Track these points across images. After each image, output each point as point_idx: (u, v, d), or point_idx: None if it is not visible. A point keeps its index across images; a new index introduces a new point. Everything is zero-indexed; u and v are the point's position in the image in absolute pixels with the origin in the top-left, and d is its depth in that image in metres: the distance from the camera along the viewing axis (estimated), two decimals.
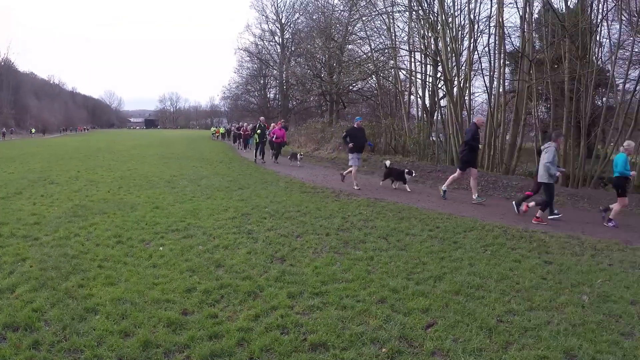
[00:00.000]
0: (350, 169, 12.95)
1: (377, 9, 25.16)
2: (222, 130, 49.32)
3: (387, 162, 13.41)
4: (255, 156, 20.75)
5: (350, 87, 33.47)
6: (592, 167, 16.44)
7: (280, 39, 51.54)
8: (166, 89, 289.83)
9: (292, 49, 47.32)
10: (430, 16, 21.08)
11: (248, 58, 54.84)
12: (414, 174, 13.13)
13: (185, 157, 23.29)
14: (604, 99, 18.36)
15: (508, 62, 21.60)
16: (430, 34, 21.97)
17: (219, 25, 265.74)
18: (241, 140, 31.27)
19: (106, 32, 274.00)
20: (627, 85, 17.46)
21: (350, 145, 12.39)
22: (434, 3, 21.21)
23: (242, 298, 4.65)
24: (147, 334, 3.79)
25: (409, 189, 12.47)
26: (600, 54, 18.92)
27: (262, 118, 22.10)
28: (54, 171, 15.61)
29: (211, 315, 4.23)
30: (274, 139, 20.56)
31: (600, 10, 16.95)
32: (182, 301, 4.54)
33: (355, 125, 12.82)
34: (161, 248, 6.40)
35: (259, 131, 20.46)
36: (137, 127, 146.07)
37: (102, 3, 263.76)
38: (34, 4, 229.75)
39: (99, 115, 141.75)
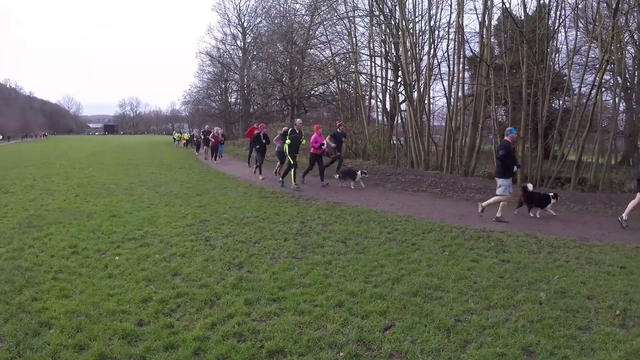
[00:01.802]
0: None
1: (339, 13, 25.46)
2: (186, 136, 47.84)
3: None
4: (284, 175, 14.04)
5: (312, 92, 33.74)
6: (549, 168, 17.10)
7: (242, 43, 51.33)
8: (126, 94, 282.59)
9: (254, 53, 47.21)
10: (391, 21, 21.45)
11: (209, 62, 54.38)
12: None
13: (144, 163, 22.73)
14: (561, 102, 19.13)
15: (467, 67, 22.36)
16: (390, 39, 22.33)
17: (179, 28, 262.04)
18: (208, 147, 25.58)
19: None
20: (583, 89, 18.38)
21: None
22: (395, 9, 21.60)
23: (198, 306, 4.61)
24: (102, 347, 3.75)
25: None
26: (557, 59, 19.92)
27: (298, 121, 14.62)
28: (9, 180, 14.96)
29: (167, 325, 4.20)
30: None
31: (558, 17, 17.84)
32: (137, 312, 4.49)
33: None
34: (117, 258, 6.25)
35: (289, 140, 13.40)
36: (97, 133, 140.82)
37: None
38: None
39: (57, 120, 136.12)
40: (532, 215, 9.88)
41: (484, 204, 9.67)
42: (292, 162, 13.21)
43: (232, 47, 52.60)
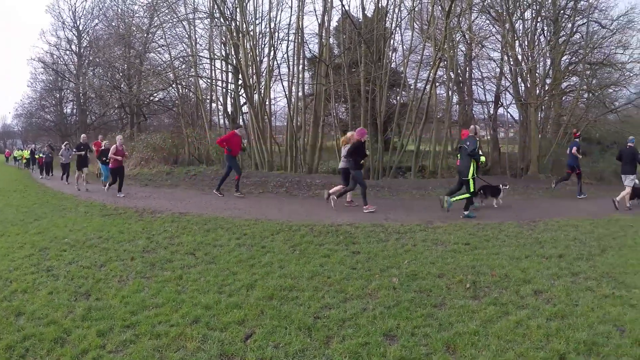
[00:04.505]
0: None
1: (179, 15, 24.64)
2: (26, 154, 41.27)
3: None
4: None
5: (151, 98, 32.20)
6: (390, 159, 18.45)
7: (78, 48, 46.80)
8: None
9: (90, 58, 43.40)
10: (232, 23, 21.33)
11: (43, 69, 48.65)
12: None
13: None
14: (398, 97, 20.81)
15: (307, 68, 23.18)
16: (231, 42, 22.23)
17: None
18: (82, 169, 16.09)
19: None
20: (418, 85, 20.27)
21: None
22: (235, 11, 21.52)
23: (48, 347, 4.12)
24: None
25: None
26: (394, 58, 21.67)
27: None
28: None
29: None
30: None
31: (395, 19, 19.60)
32: None
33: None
34: None
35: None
36: None
37: None
38: None
39: None
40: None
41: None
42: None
43: (67, 52, 47.96)
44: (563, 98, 21.82)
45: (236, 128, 13.90)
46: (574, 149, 13.28)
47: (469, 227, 8.07)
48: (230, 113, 24.86)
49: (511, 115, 24.37)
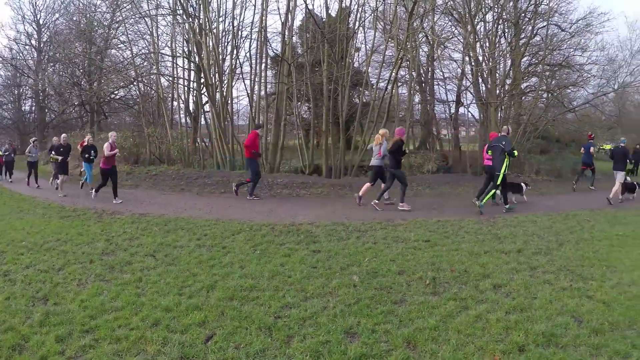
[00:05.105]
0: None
1: (141, 11, 24.14)
2: None
3: None
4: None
5: (112, 96, 31.48)
6: (352, 158, 18.64)
7: (38, 43, 45.23)
8: None
9: (50, 53, 42.04)
10: (196, 21, 21.07)
11: (1, 64, 46.76)
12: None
13: None
14: (361, 97, 20.97)
15: (270, 66, 23.04)
16: (194, 39, 21.96)
17: None
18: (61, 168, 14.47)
19: None
20: (381, 84, 20.70)
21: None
22: (199, 8, 21.26)
23: (7, 355, 4.04)
24: None
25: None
26: (357, 57, 21.91)
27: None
28: None
29: None
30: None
31: (358, 19, 19.66)
32: None
33: None
34: None
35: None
36: None
37: None
38: None
39: None
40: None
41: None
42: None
43: (27, 47, 46.33)
44: (523, 98, 22.43)
45: (257, 128, 13.23)
46: (591, 149, 15.43)
47: (429, 224, 8.22)
48: (192, 112, 24.58)
49: (472, 115, 24.98)
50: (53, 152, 14.45)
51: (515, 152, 10.63)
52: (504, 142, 10.43)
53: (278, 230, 8.13)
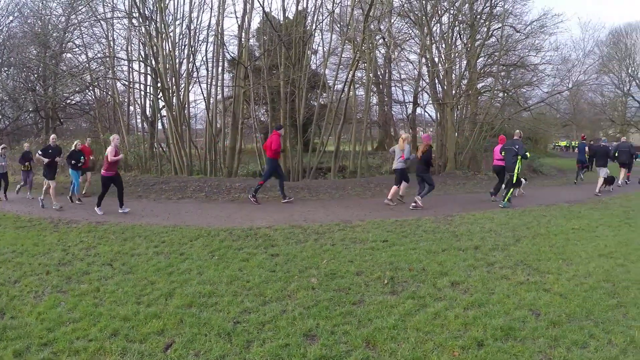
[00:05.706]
0: None
1: (97, 14, 23.57)
2: None
3: None
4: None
5: (68, 101, 30.62)
6: (310, 160, 18.71)
7: None
8: None
9: (4, 57, 40.43)
10: (152, 24, 20.70)
11: None
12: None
13: None
14: (318, 98, 21.06)
15: (228, 70, 22.90)
16: (150, 43, 21.60)
17: None
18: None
19: None
20: (338, 86, 20.86)
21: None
22: (155, 11, 20.92)
23: None
24: None
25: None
26: (314, 60, 21.92)
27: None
28: None
29: None
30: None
31: (315, 21, 19.89)
32: None
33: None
34: None
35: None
36: None
37: None
38: None
39: None
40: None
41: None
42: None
43: None
44: (479, 98, 23.10)
45: (278, 129, 12.71)
46: (586, 148, 17.20)
47: (387, 224, 8.34)
48: (149, 117, 24.19)
49: (429, 115, 25.61)
50: (40, 153, 13.23)
51: (528, 154, 11.65)
52: (517, 146, 11.23)
53: (236, 234, 8.08)
